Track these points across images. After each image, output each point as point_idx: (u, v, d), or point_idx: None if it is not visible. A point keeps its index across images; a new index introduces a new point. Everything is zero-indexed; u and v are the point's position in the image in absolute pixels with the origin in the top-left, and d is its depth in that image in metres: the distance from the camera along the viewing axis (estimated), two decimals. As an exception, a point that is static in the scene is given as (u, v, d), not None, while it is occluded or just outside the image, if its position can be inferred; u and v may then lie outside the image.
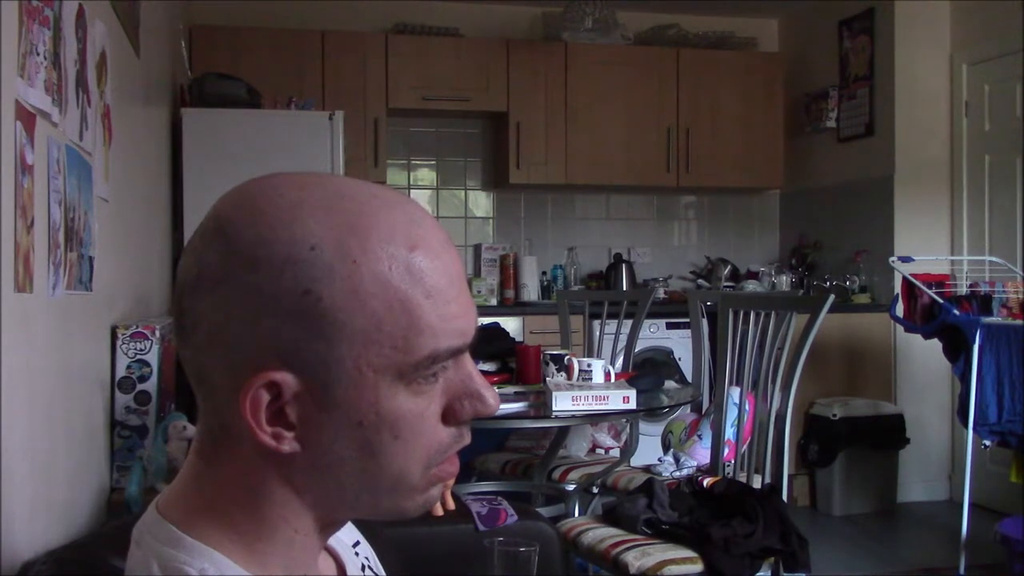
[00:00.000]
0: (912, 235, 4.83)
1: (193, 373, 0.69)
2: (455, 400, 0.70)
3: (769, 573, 2.40)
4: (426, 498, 0.72)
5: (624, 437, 3.47)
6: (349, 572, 0.81)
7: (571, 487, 3.16)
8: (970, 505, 3.52)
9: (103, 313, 2.11)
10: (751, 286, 5.23)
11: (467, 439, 0.72)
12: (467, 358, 0.71)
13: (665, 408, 3.31)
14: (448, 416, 0.70)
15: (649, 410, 2.88)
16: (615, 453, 3.50)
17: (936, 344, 3.74)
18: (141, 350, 2.20)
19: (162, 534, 0.68)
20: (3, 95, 1.31)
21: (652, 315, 4.46)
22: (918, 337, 3.93)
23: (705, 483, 2.58)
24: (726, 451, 2.86)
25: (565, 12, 5.21)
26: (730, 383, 2.89)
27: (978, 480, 3.81)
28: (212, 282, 0.66)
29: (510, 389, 2.87)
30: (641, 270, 5.48)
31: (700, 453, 3.05)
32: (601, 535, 2.43)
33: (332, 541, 0.81)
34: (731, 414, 2.86)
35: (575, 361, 2.77)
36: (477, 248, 5.26)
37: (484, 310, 4.65)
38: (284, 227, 0.65)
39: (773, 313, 2.74)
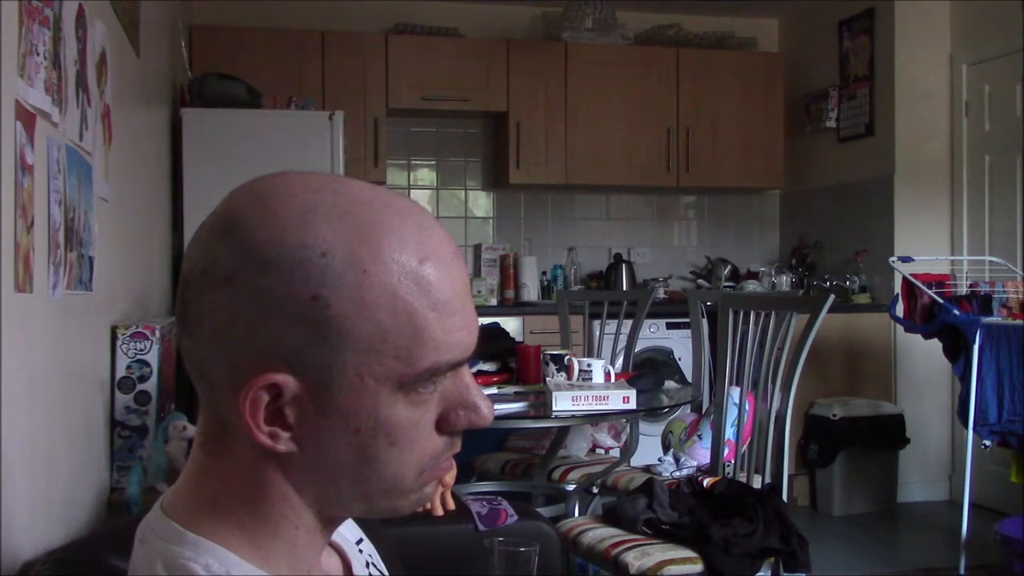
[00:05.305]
0: (912, 235, 4.83)
1: (193, 366, 0.69)
2: (450, 410, 0.71)
3: (769, 573, 2.40)
4: (420, 496, 0.73)
5: (624, 437, 3.47)
6: (355, 569, 0.82)
7: (571, 487, 3.16)
8: (970, 505, 3.52)
9: (103, 313, 2.11)
10: (751, 286, 5.23)
11: (458, 447, 0.73)
12: (465, 369, 0.72)
13: (665, 408, 3.31)
14: (442, 425, 0.71)
15: (649, 410, 2.88)
16: (615, 453, 3.49)
17: (936, 344, 3.74)
18: (141, 350, 2.20)
19: (166, 532, 0.69)
20: (3, 95, 1.31)
21: (652, 315, 4.46)
22: (918, 337, 3.92)
23: (705, 483, 2.58)
24: (726, 451, 2.86)
25: (565, 12, 5.21)
26: (730, 383, 2.89)
27: (978, 480, 3.81)
28: (220, 279, 0.65)
29: (510, 389, 2.87)
30: (641, 270, 5.48)
31: (700, 453, 3.05)
32: (601, 535, 2.43)
33: (336, 538, 0.81)
34: (731, 414, 2.86)
35: (575, 361, 2.77)
36: (477, 248, 5.25)
37: (484, 310, 4.65)
38: (296, 231, 0.65)
39: (773, 313, 2.73)
